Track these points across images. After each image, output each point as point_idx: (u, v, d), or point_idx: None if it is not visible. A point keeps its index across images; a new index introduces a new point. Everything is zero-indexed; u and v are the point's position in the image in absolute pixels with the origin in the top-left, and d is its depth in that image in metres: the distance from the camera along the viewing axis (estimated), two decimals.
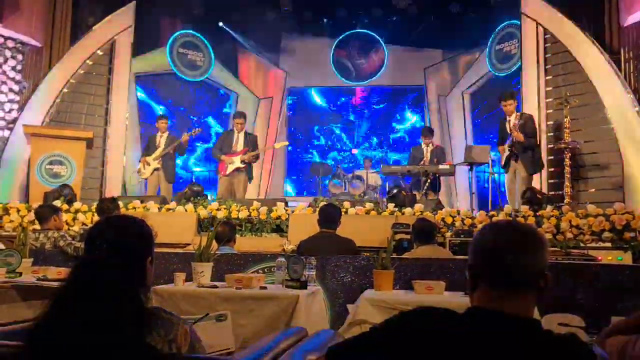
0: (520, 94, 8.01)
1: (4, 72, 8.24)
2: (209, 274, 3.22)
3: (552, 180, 7.53)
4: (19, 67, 8.39)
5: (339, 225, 4.53)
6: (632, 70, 7.31)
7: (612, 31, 7.57)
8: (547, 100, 7.81)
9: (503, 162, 7.03)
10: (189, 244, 5.27)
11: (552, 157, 7.59)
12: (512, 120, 6.83)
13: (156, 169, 7.89)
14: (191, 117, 10.72)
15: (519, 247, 1.27)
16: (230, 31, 10.85)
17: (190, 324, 1.62)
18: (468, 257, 1.36)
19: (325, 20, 10.94)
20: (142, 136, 9.41)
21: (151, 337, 1.45)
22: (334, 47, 11.34)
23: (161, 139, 8.00)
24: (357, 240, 4.54)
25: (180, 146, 7.96)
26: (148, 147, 8.09)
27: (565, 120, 6.81)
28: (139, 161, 8.12)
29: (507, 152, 6.86)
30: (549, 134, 7.70)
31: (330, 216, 4.53)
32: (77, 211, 6.17)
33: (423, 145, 8.01)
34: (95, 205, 6.05)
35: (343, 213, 5.33)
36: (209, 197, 6.96)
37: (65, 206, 6.08)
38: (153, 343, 1.44)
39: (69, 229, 5.84)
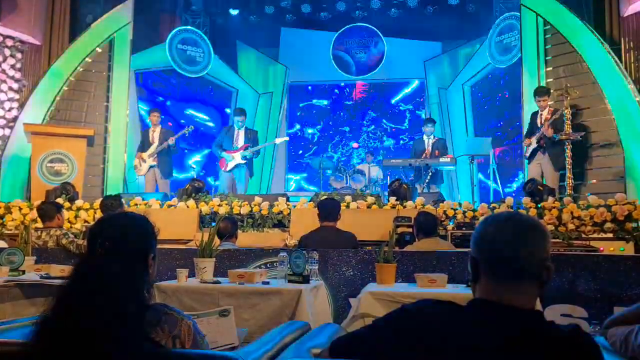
0: (520, 86, 8.01)
1: (4, 71, 8.24)
2: (212, 270, 3.23)
3: None
4: (18, 66, 8.39)
5: (339, 219, 4.53)
6: (632, 61, 7.29)
7: (613, 21, 7.54)
8: None
9: (528, 154, 7.07)
10: (191, 240, 5.28)
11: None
12: (545, 114, 6.92)
13: (152, 166, 7.87)
14: (192, 113, 10.71)
15: (521, 239, 1.27)
16: (230, 26, 10.82)
17: (193, 320, 1.62)
18: (470, 249, 1.36)
19: (324, 13, 10.91)
20: (142, 133, 9.41)
21: (155, 333, 1.45)
22: (333, 40, 11.32)
23: (154, 133, 7.98)
24: (359, 234, 4.54)
25: (171, 145, 7.91)
26: (143, 143, 8.06)
27: (566, 111, 6.81)
28: (135, 157, 8.10)
29: (534, 145, 6.92)
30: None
31: (329, 210, 4.52)
32: (79, 209, 6.18)
33: (425, 138, 8.03)
34: (96, 202, 6.06)
35: (345, 207, 5.34)
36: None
37: (67, 204, 6.09)
38: (157, 339, 1.44)
39: (71, 227, 5.85)
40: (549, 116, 6.89)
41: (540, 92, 7.13)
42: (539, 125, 6.98)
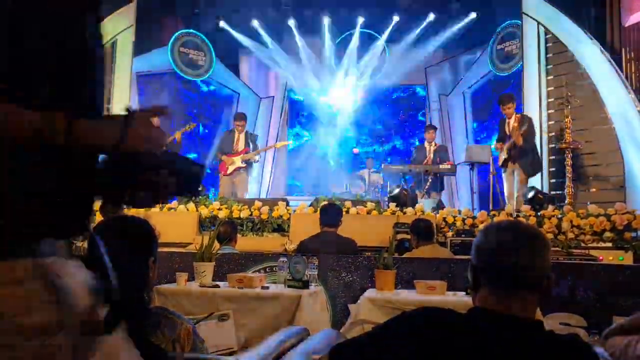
0: (521, 94, 8.02)
1: None
2: (211, 274, 3.23)
3: (553, 180, 7.54)
4: None
5: (340, 225, 4.53)
6: (633, 71, 7.31)
7: (614, 31, 7.57)
8: (549, 100, 7.81)
9: (501, 162, 7.06)
10: (190, 244, 5.27)
11: (553, 157, 7.60)
12: (512, 122, 6.88)
13: None
14: (193, 115, 10.70)
15: (522, 248, 1.28)
16: (231, 30, 10.85)
17: (193, 324, 1.62)
18: (471, 258, 1.36)
19: (326, 19, 10.94)
20: None
21: (155, 336, 1.46)
22: (334, 46, 11.33)
23: None
24: (358, 240, 4.54)
25: (175, 144, 7.89)
26: None
27: (566, 120, 6.82)
28: None
29: (504, 154, 6.90)
30: (550, 134, 7.70)
31: (331, 215, 4.53)
32: None
33: (426, 144, 8.04)
34: (96, 205, 6.05)
35: (344, 213, 5.33)
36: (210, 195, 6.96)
37: None
38: (157, 342, 1.44)
39: None
40: (517, 124, 6.80)
41: (504, 100, 7.06)
42: (507, 133, 6.95)
